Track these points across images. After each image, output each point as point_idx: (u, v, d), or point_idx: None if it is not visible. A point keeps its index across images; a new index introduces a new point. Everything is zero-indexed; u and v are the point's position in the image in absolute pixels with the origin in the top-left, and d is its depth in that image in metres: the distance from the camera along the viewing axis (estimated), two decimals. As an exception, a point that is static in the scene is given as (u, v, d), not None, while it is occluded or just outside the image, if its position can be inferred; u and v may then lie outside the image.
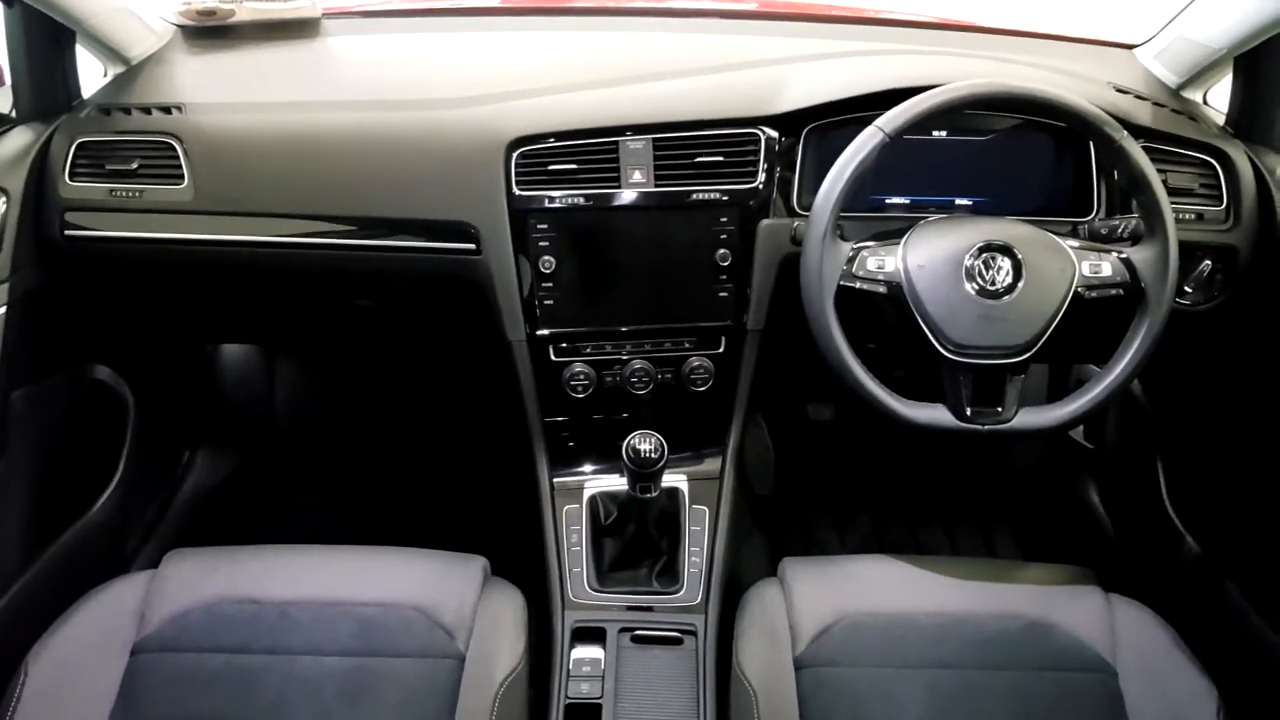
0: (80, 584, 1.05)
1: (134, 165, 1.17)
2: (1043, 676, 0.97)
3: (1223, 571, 1.28)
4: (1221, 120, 1.26)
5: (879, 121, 1.01)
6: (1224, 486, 1.32)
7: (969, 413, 1.02)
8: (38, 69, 1.20)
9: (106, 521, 1.38)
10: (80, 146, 1.18)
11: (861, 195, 1.10)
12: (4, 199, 1.12)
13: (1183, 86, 1.27)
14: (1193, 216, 1.17)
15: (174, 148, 1.17)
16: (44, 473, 1.22)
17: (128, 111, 1.20)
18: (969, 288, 1.01)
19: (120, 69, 1.27)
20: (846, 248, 1.04)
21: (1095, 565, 1.12)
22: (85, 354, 1.35)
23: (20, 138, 1.17)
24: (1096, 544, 1.65)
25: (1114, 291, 1.03)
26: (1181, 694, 0.96)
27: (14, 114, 1.21)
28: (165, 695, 0.93)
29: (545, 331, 1.19)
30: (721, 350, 1.21)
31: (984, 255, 1.01)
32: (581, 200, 1.14)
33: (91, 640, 0.98)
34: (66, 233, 1.18)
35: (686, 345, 1.21)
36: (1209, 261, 1.17)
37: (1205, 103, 1.30)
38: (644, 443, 1.05)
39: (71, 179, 1.17)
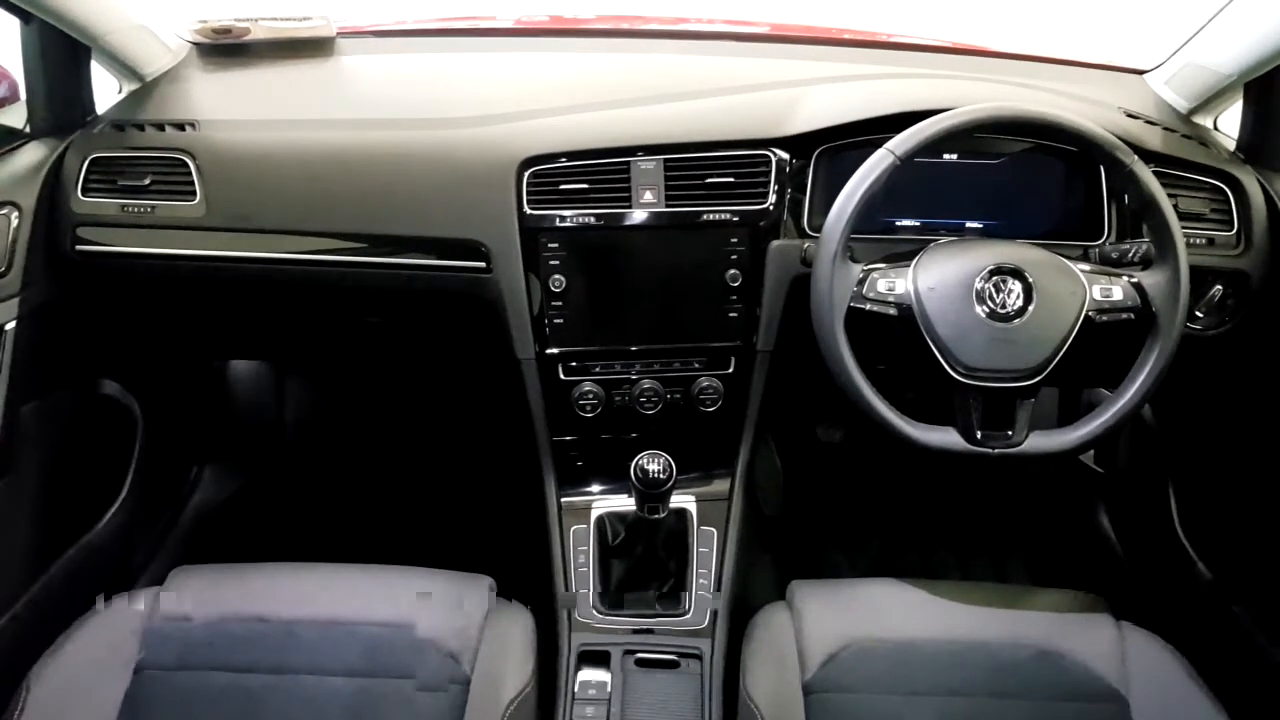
0: (85, 600, 1.04)
1: (146, 181, 1.18)
2: (1054, 706, 0.96)
3: (1234, 597, 1.27)
4: (1232, 146, 1.26)
5: (890, 144, 1.02)
6: (1236, 512, 1.31)
7: (979, 435, 1.02)
8: (53, 85, 1.21)
9: (113, 537, 1.37)
10: (93, 162, 1.18)
11: (872, 217, 1.10)
12: (16, 214, 1.13)
13: (1193, 112, 1.27)
14: (1203, 241, 1.17)
15: (186, 164, 1.17)
16: (51, 487, 1.22)
17: (141, 128, 1.21)
18: (979, 310, 1.00)
19: (135, 85, 1.28)
20: (857, 269, 1.04)
21: (1106, 590, 1.11)
22: (94, 369, 1.35)
23: (34, 153, 1.18)
24: (1107, 569, 1.64)
25: (1125, 316, 1.02)
26: None
27: (28, 129, 1.21)
28: (168, 715, 0.92)
29: (554, 350, 1.19)
30: (731, 371, 1.21)
31: (994, 278, 1.01)
32: (592, 220, 1.14)
33: (94, 658, 0.97)
34: (78, 248, 1.18)
35: (696, 365, 1.21)
36: (1220, 286, 1.17)
37: (1216, 128, 1.30)
38: (652, 463, 1.04)
39: (84, 194, 1.18)
